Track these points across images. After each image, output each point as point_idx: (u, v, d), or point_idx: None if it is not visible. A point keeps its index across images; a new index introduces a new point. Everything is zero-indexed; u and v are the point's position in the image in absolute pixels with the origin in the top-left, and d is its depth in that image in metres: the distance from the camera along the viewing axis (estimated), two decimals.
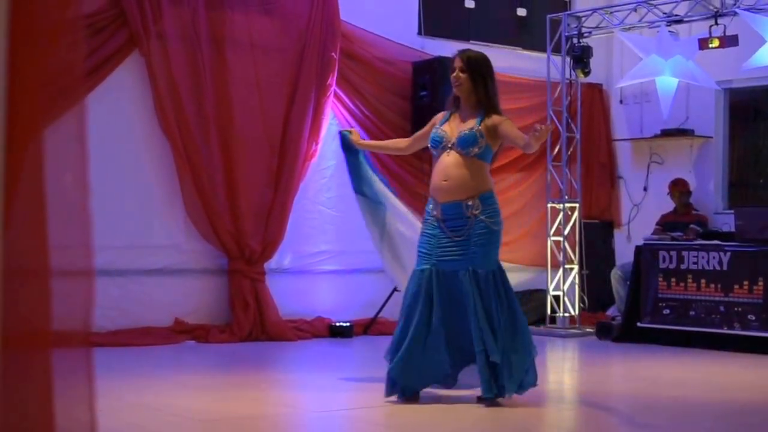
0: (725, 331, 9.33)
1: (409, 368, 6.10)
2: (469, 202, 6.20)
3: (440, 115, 6.58)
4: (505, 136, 6.33)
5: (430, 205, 6.35)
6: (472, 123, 6.31)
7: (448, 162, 6.27)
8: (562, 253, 11.21)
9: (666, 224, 11.01)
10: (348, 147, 7.02)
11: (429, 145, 6.45)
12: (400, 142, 7.21)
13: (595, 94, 12.61)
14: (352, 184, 7.08)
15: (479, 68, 6.38)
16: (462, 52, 6.47)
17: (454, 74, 6.36)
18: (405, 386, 6.16)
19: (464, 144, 6.24)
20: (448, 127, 6.38)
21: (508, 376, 6.09)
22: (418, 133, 6.80)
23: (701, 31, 10.48)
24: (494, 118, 6.33)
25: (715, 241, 9.70)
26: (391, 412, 5.94)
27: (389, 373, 6.14)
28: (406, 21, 11.15)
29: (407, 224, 6.97)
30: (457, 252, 6.19)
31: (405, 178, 10.81)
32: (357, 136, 7.13)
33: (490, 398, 6.08)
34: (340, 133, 7.22)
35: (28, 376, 2.14)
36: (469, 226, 6.20)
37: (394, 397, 6.15)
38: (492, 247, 6.26)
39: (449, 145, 6.28)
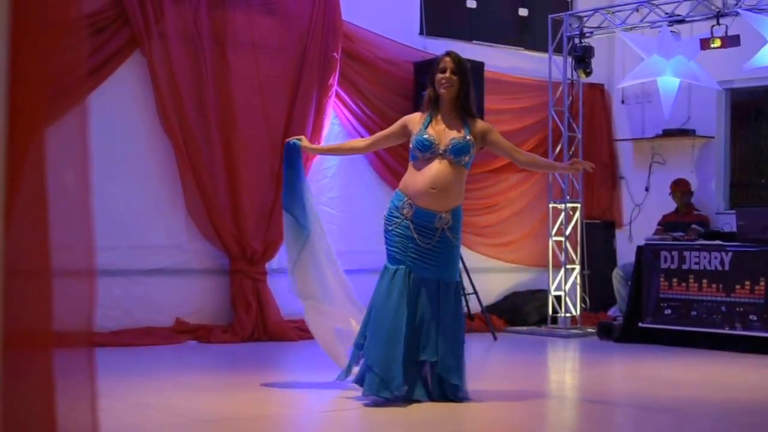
0: (727, 331, 9.32)
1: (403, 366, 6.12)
2: (443, 215, 6.23)
3: (416, 117, 6.45)
4: (496, 145, 6.43)
5: (400, 202, 6.28)
6: (461, 130, 6.29)
7: (438, 170, 6.21)
8: (563, 254, 11.22)
9: (667, 224, 11.01)
10: (290, 162, 6.73)
11: (414, 147, 6.28)
12: (357, 143, 7.16)
13: (597, 94, 12.61)
14: (283, 200, 6.80)
15: (467, 71, 6.39)
16: (451, 54, 6.41)
17: (446, 75, 6.29)
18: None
19: (458, 153, 6.22)
20: (434, 131, 6.29)
21: (459, 380, 6.21)
22: (383, 133, 6.69)
23: (703, 31, 10.49)
24: (480, 124, 6.41)
25: (717, 242, 9.70)
26: (393, 412, 5.93)
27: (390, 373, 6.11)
28: (408, 21, 11.15)
29: (323, 257, 6.78)
30: (426, 260, 6.23)
31: (398, 169, 10.76)
32: (306, 141, 6.92)
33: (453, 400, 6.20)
34: (286, 144, 6.86)
35: (30, 376, 2.14)
36: (437, 237, 6.22)
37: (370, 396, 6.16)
38: (457, 261, 6.41)
39: (440, 152, 6.23)
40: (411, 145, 6.33)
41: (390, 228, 6.29)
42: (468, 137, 6.26)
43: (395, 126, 6.56)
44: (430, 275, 6.20)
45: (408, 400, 6.14)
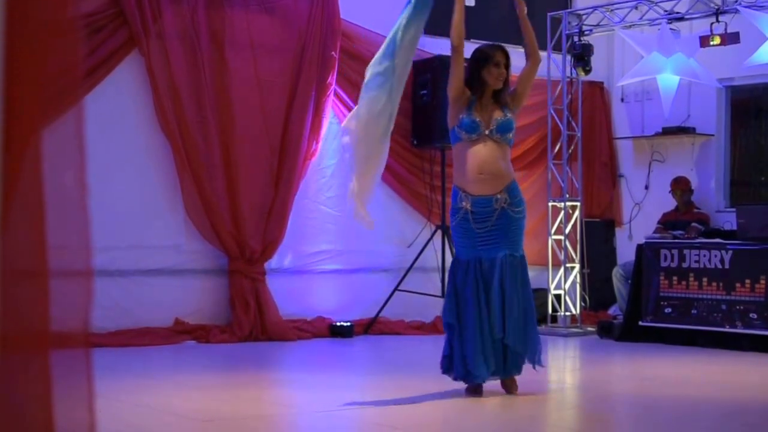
0: (727, 329, 9.31)
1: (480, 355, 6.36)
2: (498, 196, 6.45)
3: (467, 94, 6.56)
4: (521, 85, 6.72)
5: (457, 196, 6.50)
6: (502, 111, 6.55)
7: (483, 154, 6.44)
8: (563, 252, 11.20)
9: (667, 223, 10.99)
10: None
11: (460, 128, 6.46)
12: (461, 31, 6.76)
13: (596, 92, 12.59)
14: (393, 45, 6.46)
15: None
16: (500, 48, 6.68)
17: (501, 70, 6.56)
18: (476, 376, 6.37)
19: (504, 130, 6.50)
20: (478, 114, 6.50)
21: (524, 350, 6.46)
22: (461, 63, 6.57)
23: (702, 28, 10.47)
24: (507, 96, 6.65)
25: (717, 240, 9.68)
26: (392, 411, 5.92)
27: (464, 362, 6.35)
28: None
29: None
30: (492, 240, 6.43)
31: (406, 177, 10.79)
32: None
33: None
34: None
35: (27, 376, 2.13)
36: (495, 216, 6.44)
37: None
38: (521, 234, 6.59)
39: (486, 133, 6.45)
40: (456, 126, 6.50)
41: (453, 223, 6.54)
42: (509, 115, 6.55)
43: (461, 78, 6.54)
44: (498, 252, 6.40)
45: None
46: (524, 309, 6.45)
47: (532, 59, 6.80)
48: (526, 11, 6.85)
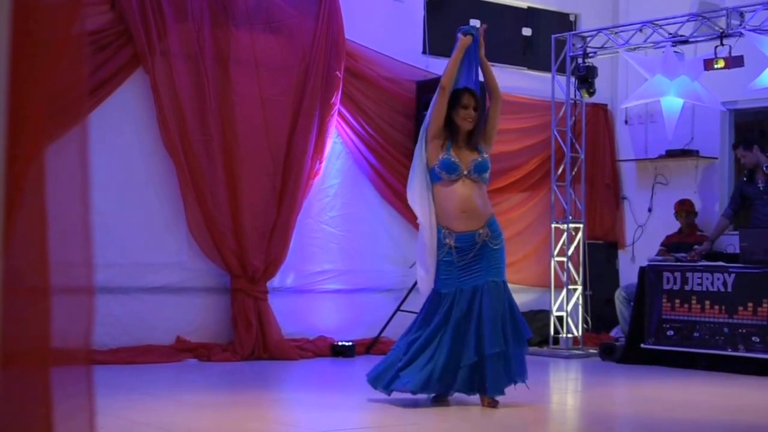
0: (729, 352, 9.29)
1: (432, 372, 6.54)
2: (480, 231, 6.64)
3: (443, 137, 6.73)
4: (491, 120, 6.84)
5: (441, 234, 6.67)
6: (477, 152, 6.73)
7: (463, 193, 6.64)
8: (565, 274, 11.19)
9: (670, 245, 10.99)
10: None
11: (440, 169, 6.65)
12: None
13: (600, 115, 12.61)
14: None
15: (483, 106, 6.89)
16: (471, 91, 6.78)
17: (469, 111, 6.70)
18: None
19: (481, 171, 6.67)
20: (455, 154, 6.68)
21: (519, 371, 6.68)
22: (445, 105, 6.73)
23: (706, 51, 10.48)
24: (479, 135, 6.79)
25: (720, 263, 9.67)
26: (393, 431, 5.91)
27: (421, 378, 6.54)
28: (411, 40, 11.16)
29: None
30: (472, 270, 6.62)
31: (399, 189, 10.76)
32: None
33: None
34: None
35: (28, 393, 2.13)
36: (476, 248, 6.62)
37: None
38: (501, 262, 6.74)
39: (464, 173, 6.63)
40: (436, 167, 6.68)
41: (439, 258, 6.68)
42: (485, 155, 6.73)
43: (443, 117, 6.72)
44: (479, 281, 6.57)
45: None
46: (513, 330, 6.60)
47: (494, 98, 6.92)
48: (483, 52, 7.10)
